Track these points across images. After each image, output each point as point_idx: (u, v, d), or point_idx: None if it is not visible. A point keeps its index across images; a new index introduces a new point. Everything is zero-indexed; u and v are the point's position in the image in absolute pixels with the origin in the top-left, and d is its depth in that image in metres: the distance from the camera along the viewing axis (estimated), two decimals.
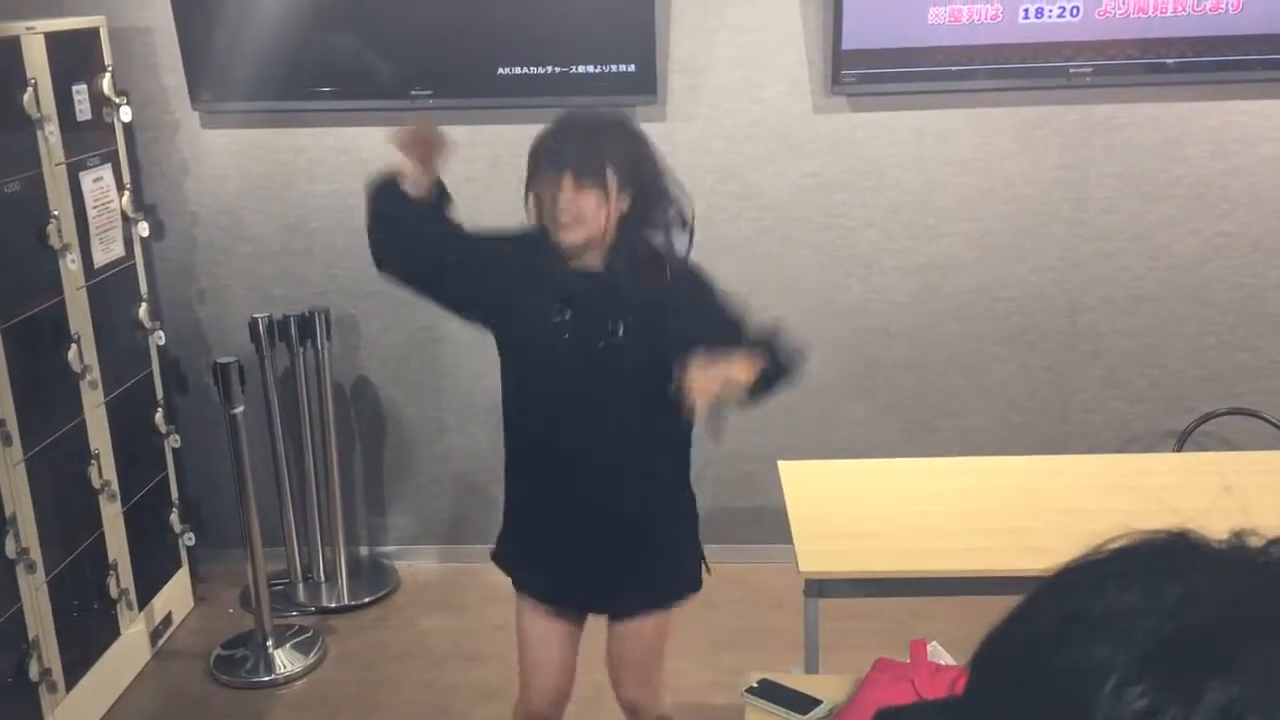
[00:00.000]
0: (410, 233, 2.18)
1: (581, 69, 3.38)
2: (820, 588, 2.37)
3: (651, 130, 3.47)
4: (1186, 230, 3.54)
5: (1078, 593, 0.56)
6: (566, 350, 2.12)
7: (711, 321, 2.16)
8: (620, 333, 2.10)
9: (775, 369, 2.13)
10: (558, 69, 3.39)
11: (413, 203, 2.16)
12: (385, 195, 2.19)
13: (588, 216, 2.04)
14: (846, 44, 3.30)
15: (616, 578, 2.30)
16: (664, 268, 2.13)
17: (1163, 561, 0.55)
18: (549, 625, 2.36)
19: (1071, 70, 3.31)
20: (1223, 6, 3.23)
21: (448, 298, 2.28)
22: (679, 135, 3.51)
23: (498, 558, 2.42)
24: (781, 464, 2.78)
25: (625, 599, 2.33)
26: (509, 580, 2.42)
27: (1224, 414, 3.50)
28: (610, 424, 2.15)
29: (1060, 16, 3.26)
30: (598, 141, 2.06)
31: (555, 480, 2.24)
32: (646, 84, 3.39)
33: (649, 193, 2.11)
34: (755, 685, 2.02)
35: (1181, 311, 3.61)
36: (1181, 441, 3.50)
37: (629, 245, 2.10)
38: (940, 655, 2.05)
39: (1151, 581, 0.53)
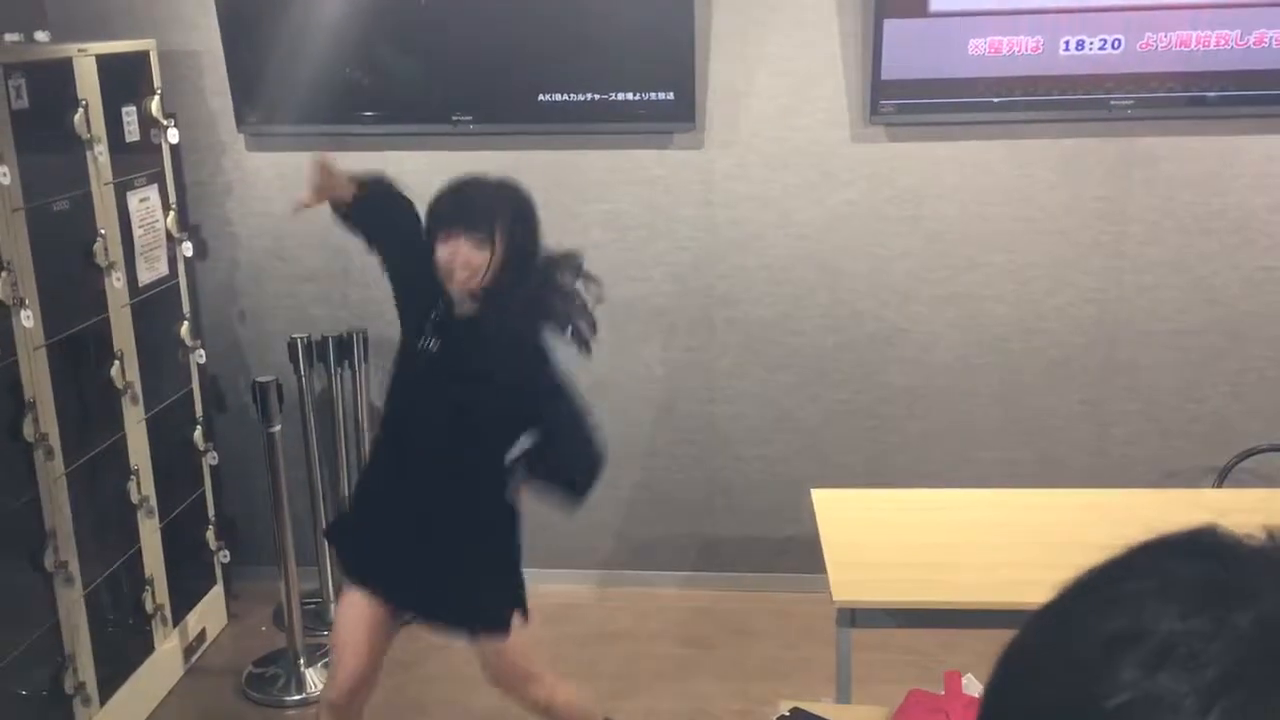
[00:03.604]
0: (396, 210, 2.42)
1: (621, 96, 3.41)
2: (853, 617, 2.35)
3: (689, 158, 3.53)
4: (1227, 264, 3.51)
5: (1121, 609, 0.52)
6: (421, 375, 2.39)
7: (527, 408, 2.37)
8: (460, 379, 2.33)
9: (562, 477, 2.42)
10: (597, 96, 3.41)
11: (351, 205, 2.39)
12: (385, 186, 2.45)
13: (466, 267, 2.26)
14: (886, 74, 3.31)
15: (421, 587, 2.47)
16: (513, 338, 2.33)
17: (1211, 575, 0.52)
18: (361, 610, 2.47)
19: (1112, 103, 3.30)
20: (1266, 40, 3.21)
21: (390, 264, 2.48)
22: (717, 163, 3.53)
23: (330, 533, 2.63)
24: (815, 492, 2.76)
25: (432, 609, 2.52)
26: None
27: (1265, 450, 3.45)
28: (439, 449, 2.37)
29: (1101, 49, 3.26)
30: (482, 201, 2.30)
31: (392, 480, 2.45)
32: (685, 112, 3.41)
33: (520, 256, 2.31)
34: (787, 714, 2.01)
35: (1222, 346, 3.57)
36: (1222, 477, 3.46)
37: (495, 305, 2.30)
38: (975, 688, 2.03)
39: (1209, 600, 0.50)
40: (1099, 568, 0.56)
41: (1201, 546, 0.54)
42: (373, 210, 2.41)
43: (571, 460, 2.41)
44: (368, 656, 2.49)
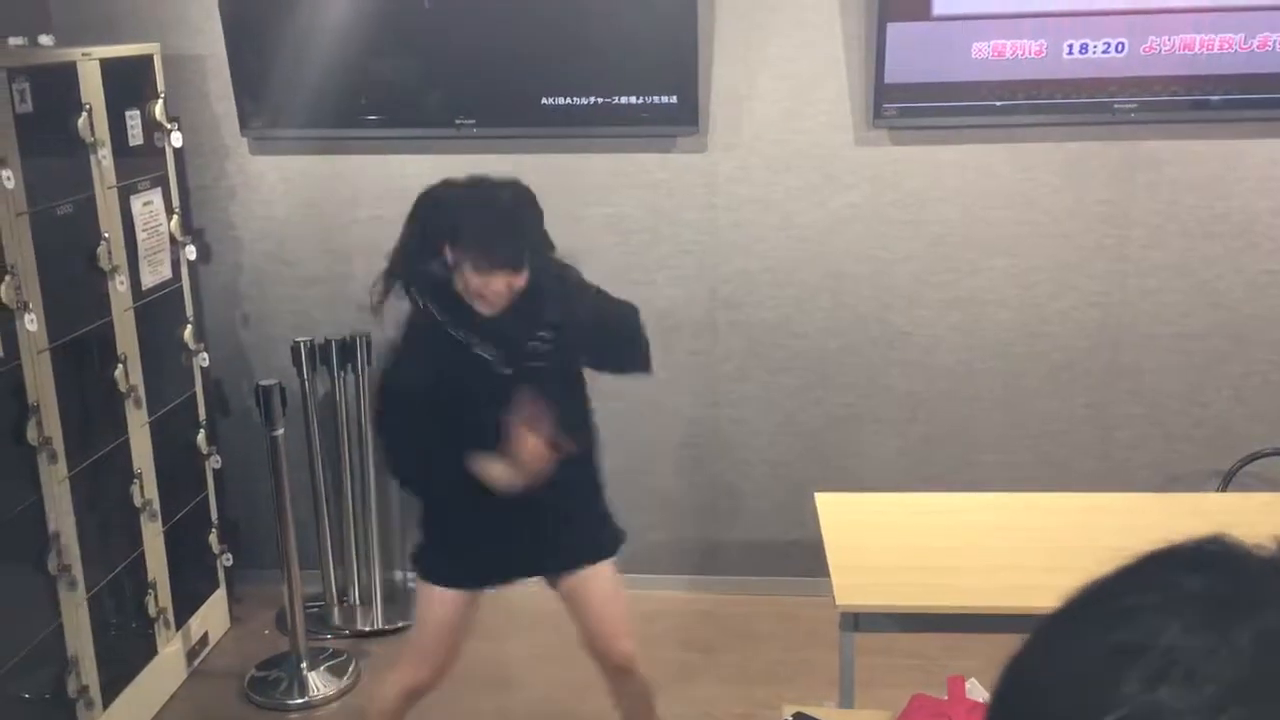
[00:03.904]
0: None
1: (624, 100, 3.41)
2: (856, 621, 2.35)
3: (692, 161, 3.53)
4: (1230, 268, 3.50)
5: (1123, 623, 0.51)
6: (498, 376, 2.37)
7: (595, 320, 2.47)
8: (537, 350, 2.39)
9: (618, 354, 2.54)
10: (600, 99, 3.42)
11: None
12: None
13: (507, 294, 2.30)
14: (889, 77, 3.31)
15: (560, 537, 2.53)
16: (564, 297, 2.41)
17: (1216, 588, 0.51)
18: (453, 607, 2.55)
19: (1116, 106, 3.30)
20: (1270, 44, 3.21)
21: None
22: (719, 166, 3.53)
23: (428, 565, 2.57)
24: (818, 495, 2.76)
25: (573, 552, 2.56)
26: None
27: (1270, 454, 3.45)
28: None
29: (1105, 52, 3.26)
30: (516, 232, 2.32)
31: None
32: (688, 115, 3.41)
33: (544, 257, 2.39)
34: (790, 719, 2.01)
35: (1225, 350, 3.57)
36: (1226, 482, 3.45)
37: (534, 288, 2.35)
38: (979, 692, 2.02)
39: (1211, 615, 0.49)
40: (1105, 579, 0.55)
41: (1207, 558, 0.54)
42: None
43: (630, 338, 2.52)
44: (455, 651, 2.61)
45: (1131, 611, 0.52)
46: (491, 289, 2.28)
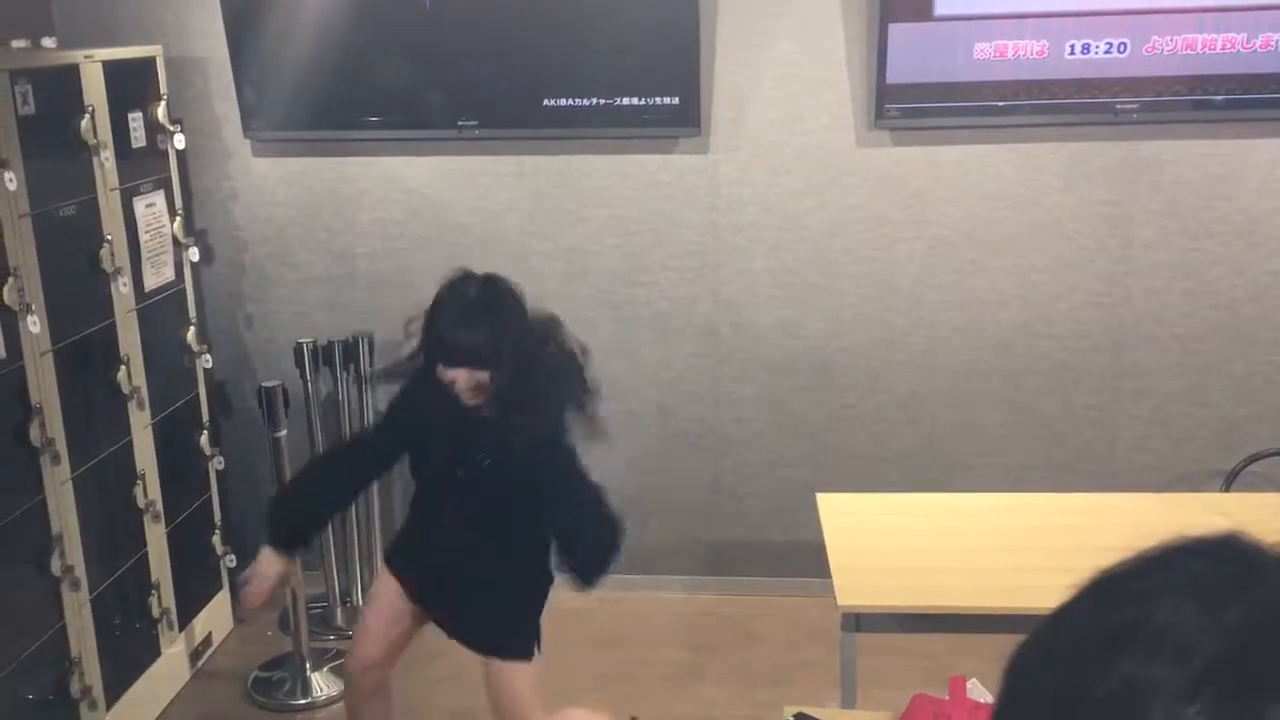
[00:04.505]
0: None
1: (626, 101, 3.41)
2: (858, 621, 2.35)
3: (694, 163, 3.53)
4: (1233, 268, 3.50)
5: (1126, 604, 0.53)
6: (450, 466, 2.50)
7: (548, 491, 2.46)
8: (482, 462, 2.46)
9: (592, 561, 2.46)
10: (602, 101, 3.42)
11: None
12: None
13: (471, 388, 2.34)
14: (890, 78, 3.31)
15: (455, 605, 2.62)
16: (525, 433, 2.39)
17: (1222, 575, 0.53)
18: (392, 600, 2.65)
19: (1118, 107, 3.30)
20: (1273, 44, 3.21)
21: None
22: (721, 167, 3.53)
23: (389, 557, 2.75)
24: (820, 496, 2.76)
25: (460, 624, 2.64)
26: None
27: (1273, 454, 3.44)
28: (473, 512, 2.51)
29: (1108, 53, 3.26)
30: (475, 328, 2.34)
31: (434, 518, 2.59)
32: (690, 116, 3.41)
33: (520, 358, 2.35)
34: (792, 719, 2.01)
35: (1228, 350, 3.56)
36: (1229, 482, 3.45)
37: (501, 403, 2.36)
38: (980, 693, 2.02)
39: (1206, 596, 0.51)
40: (1114, 566, 0.57)
41: (1215, 547, 0.55)
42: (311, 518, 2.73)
43: (597, 547, 2.45)
44: (387, 648, 2.69)
45: (1133, 594, 0.53)
46: (455, 381, 2.33)
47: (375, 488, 3.76)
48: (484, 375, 2.32)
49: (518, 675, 2.58)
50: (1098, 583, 0.56)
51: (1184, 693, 0.48)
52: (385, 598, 2.69)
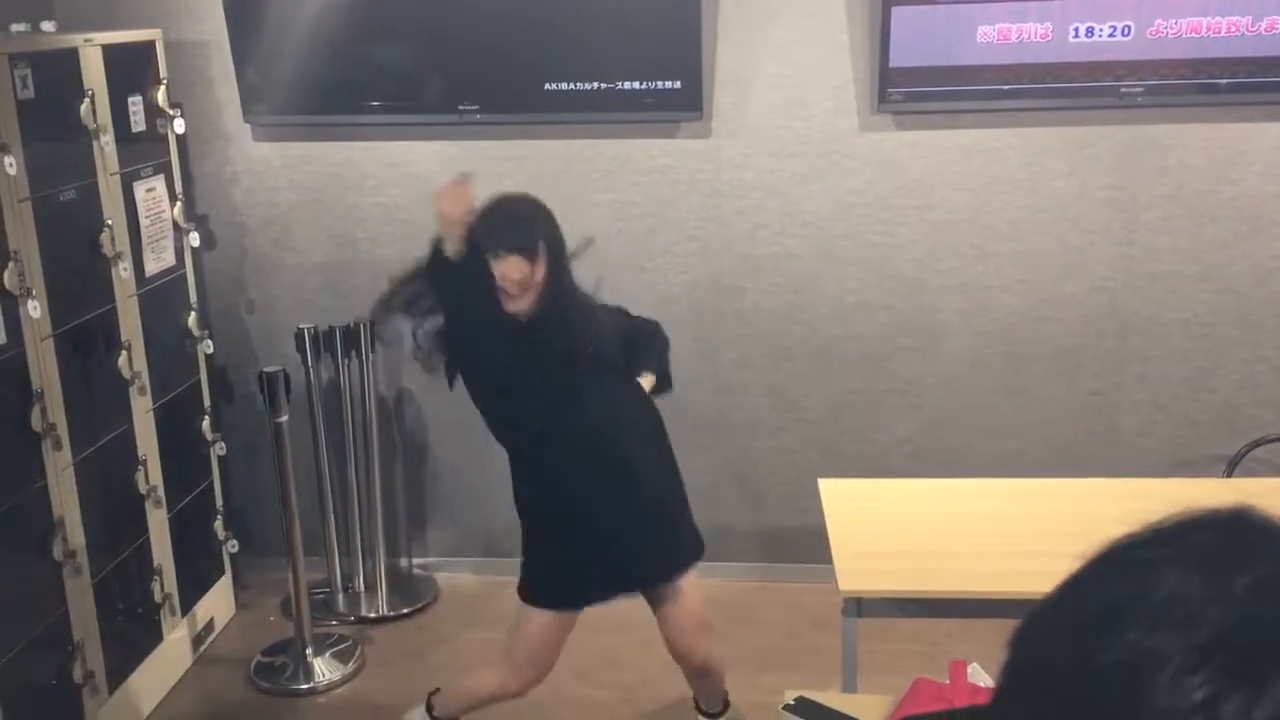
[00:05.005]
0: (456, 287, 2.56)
1: (627, 85, 3.40)
2: (859, 607, 2.35)
3: (697, 146, 3.52)
4: (1238, 253, 3.49)
5: (1134, 573, 0.53)
6: (569, 367, 2.51)
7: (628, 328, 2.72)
8: (579, 346, 2.52)
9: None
10: (604, 85, 3.40)
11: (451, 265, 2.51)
12: (438, 261, 2.55)
13: (523, 282, 2.42)
14: (893, 62, 3.29)
15: (668, 540, 2.65)
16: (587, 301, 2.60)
17: (1228, 546, 0.52)
18: (563, 629, 2.64)
19: (1123, 90, 3.28)
20: (1277, 27, 3.19)
21: (463, 343, 2.59)
22: (724, 152, 3.52)
23: (535, 589, 2.63)
24: (822, 482, 2.76)
25: (679, 555, 2.67)
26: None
27: (1276, 439, 3.44)
28: (613, 409, 2.56)
29: (1112, 35, 3.23)
30: (526, 219, 2.48)
31: (598, 482, 2.54)
32: (692, 101, 3.40)
33: (559, 252, 2.50)
34: (793, 703, 2.01)
35: (1233, 335, 3.55)
36: (1232, 467, 3.44)
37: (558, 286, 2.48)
38: (980, 677, 2.02)
39: (1214, 566, 0.51)
40: (1123, 536, 0.57)
41: (1224, 521, 0.55)
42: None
43: (662, 350, 2.78)
44: (550, 668, 2.69)
45: (1138, 565, 0.53)
46: (508, 275, 2.40)
47: (377, 473, 3.76)
48: (531, 268, 2.40)
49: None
50: (1106, 553, 0.56)
51: (1189, 663, 0.48)
52: (558, 634, 2.64)
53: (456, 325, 2.55)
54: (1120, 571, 0.54)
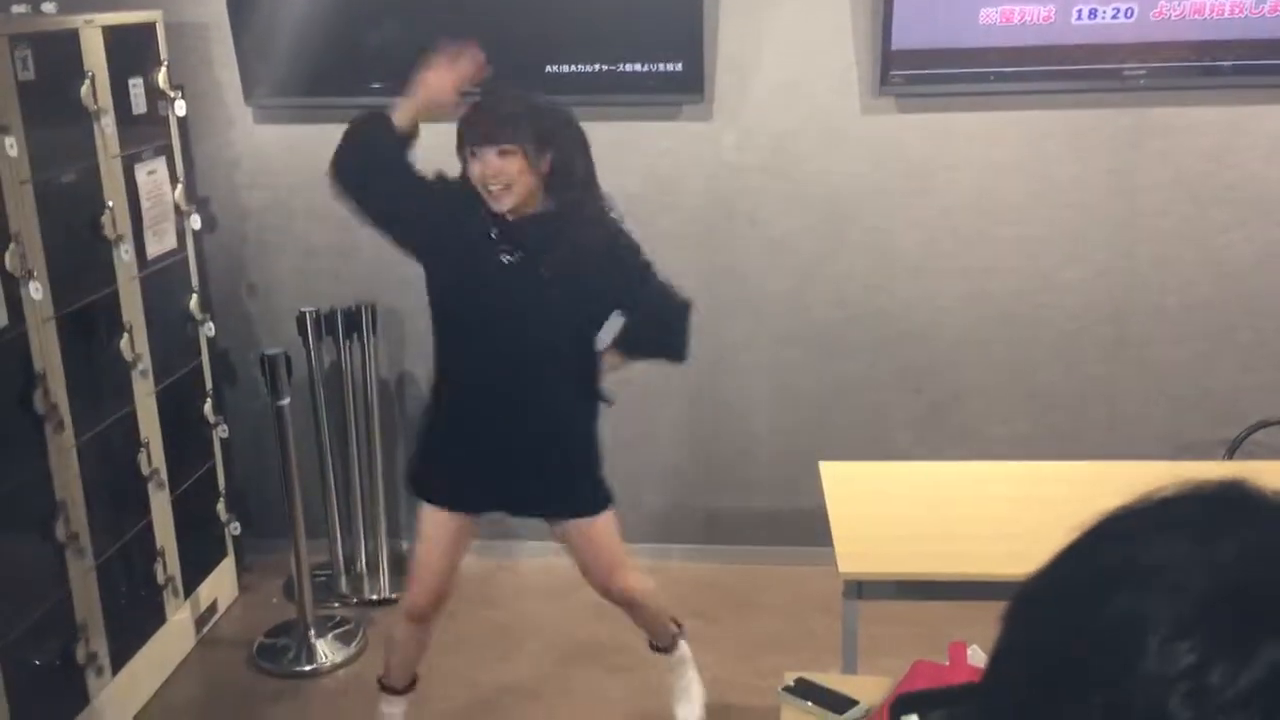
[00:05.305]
0: (379, 157, 2.44)
1: (629, 67, 3.39)
2: (860, 589, 2.36)
3: (698, 129, 3.51)
4: (1240, 236, 3.48)
5: (1123, 542, 0.53)
6: (504, 288, 2.42)
7: (622, 275, 2.52)
8: (553, 268, 2.39)
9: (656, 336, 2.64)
10: (605, 67, 3.39)
11: (393, 132, 2.42)
12: (370, 121, 2.46)
13: (500, 176, 2.32)
14: (896, 44, 3.28)
15: (537, 484, 2.59)
16: (597, 220, 2.47)
17: (1217, 513, 0.53)
18: (445, 528, 2.63)
19: (1125, 73, 3.27)
20: None
21: (394, 226, 2.51)
22: (725, 134, 3.51)
23: (415, 481, 2.69)
24: (823, 464, 2.76)
25: (567, 502, 2.64)
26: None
27: (1277, 423, 3.44)
28: (535, 347, 2.47)
29: (1114, 18, 3.22)
30: (505, 108, 2.35)
31: (485, 401, 2.52)
32: (694, 83, 3.39)
33: (568, 153, 2.40)
34: (792, 684, 2.01)
35: (1234, 319, 3.55)
36: (1232, 450, 3.45)
37: (562, 198, 2.40)
38: (980, 659, 2.03)
39: (1205, 533, 0.51)
40: (1116, 508, 0.57)
41: (1214, 490, 0.55)
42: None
43: (670, 327, 2.62)
44: (449, 572, 2.68)
45: (1128, 534, 0.54)
46: (484, 168, 2.31)
47: (379, 455, 3.76)
48: (512, 165, 2.30)
49: (610, 523, 2.66)
50: (1098, 524, 0.56)
51: (1178, 628, 0.48)
52: (433, 531, 2.64)
53: (419, 205, 2.46)
54: (1110, 541, 0.54)
